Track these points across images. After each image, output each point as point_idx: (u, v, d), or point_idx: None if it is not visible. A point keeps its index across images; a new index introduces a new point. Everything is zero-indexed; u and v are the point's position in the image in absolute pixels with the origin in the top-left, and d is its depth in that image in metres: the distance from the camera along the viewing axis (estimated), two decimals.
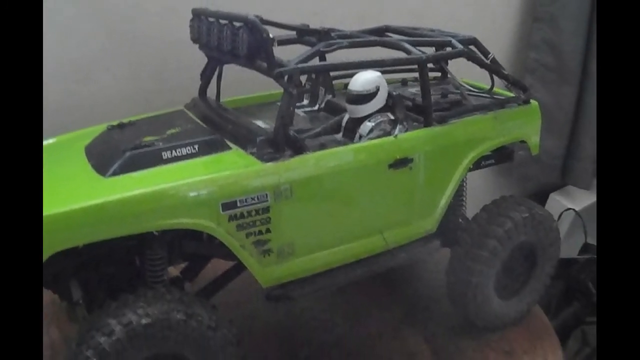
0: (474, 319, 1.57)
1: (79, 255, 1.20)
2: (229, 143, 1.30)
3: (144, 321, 1.11)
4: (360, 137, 1.38)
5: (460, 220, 1.57)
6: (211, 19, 1.39)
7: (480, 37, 1.57)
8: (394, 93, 1.42)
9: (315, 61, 1.41)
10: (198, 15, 1.47)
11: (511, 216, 1.49)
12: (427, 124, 1.42)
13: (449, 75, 1.70)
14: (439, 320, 1.65)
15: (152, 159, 1.22)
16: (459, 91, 1.57)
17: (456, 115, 1.47)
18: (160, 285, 1.26)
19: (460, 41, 1.51)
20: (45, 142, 1.45)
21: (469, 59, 1.52)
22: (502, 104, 1.56)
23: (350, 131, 1.40)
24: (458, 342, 1.57)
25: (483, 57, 1.54)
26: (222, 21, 1.35)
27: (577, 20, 2.38)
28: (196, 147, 1.26)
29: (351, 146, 1.34)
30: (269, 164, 1.23)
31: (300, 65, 1.28)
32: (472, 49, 1.54)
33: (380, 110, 1.39)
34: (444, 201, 1.47)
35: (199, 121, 1.43)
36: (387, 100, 1.40)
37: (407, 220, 1.44)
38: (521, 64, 2.53)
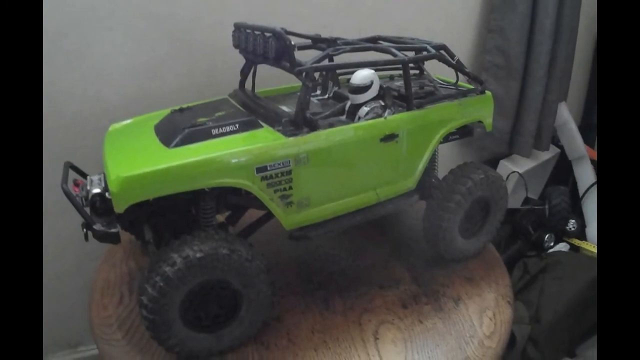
0: (444, 253, 1.55)
1: (150, 206, 1.19)
2: (261, 123, 1.28)
3: (198, 255, 1.10)
4: (359, 118, 1.35)
5: (433, 180, 1.54)
6: (248, 30, 1.37)
7: (448, 44, 1.53)
8: (384, 85, 1.39)
9: (325, 62, 1.39)
10: (238, 28, 1.44)
11: (471, 177, 1.47)
12: (408, 108, 1.39)
13: (425, 72, 1.66)
14: (418, 254, 1.63)
15: (204, 135, 1.21)
16: (432, 84, 1.54)
17: (430, 102, 1.44)
18: (210, 228, 1.25)
19: (433, 47, 1.47)
20: (125, 122, 1.45)
21: (440, 60, 1.48)
22: (464, 93, 1.52)
23: (352, 114, 1.37)
24: (432, 271, 1.55)
25: (450, 59, 1.50)
26: (256, 32, 1.33)
27: (520, 31, 2.34)
28: (237, 125, 1.24)
29: (352, 125, 1.31)
30: (291, 138, 1.21)
31: (314, 65, 1.25)
32: (442, 53, 1.50)
33: (374, 99, 1.36)
34: (421, 166, 1.44)
35: (239, 106, 1.41)
36: (379, 91, 1.37)
37: (393, 180, 1.42)
38: (479, 64, 2.50)
